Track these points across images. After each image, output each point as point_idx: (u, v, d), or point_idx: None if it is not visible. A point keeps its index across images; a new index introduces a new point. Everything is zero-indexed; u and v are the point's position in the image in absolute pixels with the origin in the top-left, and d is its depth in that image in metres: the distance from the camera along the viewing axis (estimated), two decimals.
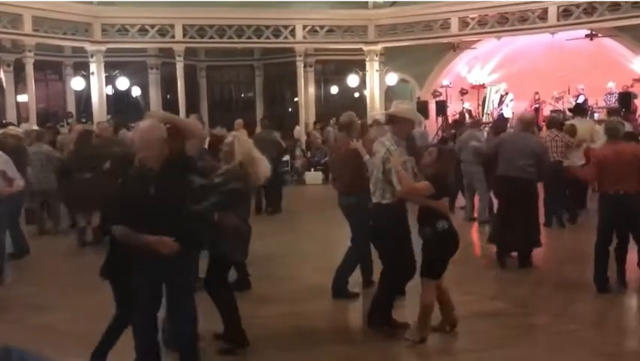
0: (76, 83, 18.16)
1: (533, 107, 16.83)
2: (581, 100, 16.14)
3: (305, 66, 18.57)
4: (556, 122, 9.63)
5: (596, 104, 16.34)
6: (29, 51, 15.05)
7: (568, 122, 10.25)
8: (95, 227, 8.09)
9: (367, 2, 18.18)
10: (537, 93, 17.11)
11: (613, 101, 15.72)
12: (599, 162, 5.83)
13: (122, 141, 9.56)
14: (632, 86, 15.68)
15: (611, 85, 16.02)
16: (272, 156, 9.18)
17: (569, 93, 16.62)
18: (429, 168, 4.75)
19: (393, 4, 18.06)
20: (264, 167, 4.66)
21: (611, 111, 11.55)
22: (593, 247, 5.95)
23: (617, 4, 14.54)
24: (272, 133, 11.65)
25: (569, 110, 13.28)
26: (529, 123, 7.35)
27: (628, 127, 8.28)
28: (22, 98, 16.73)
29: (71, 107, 18.68)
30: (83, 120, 16.48)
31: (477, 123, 11.05)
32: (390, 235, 4.88)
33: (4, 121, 15.71)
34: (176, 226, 3.65)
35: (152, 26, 16.91)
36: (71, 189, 8.21)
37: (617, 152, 5.76)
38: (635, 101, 14.95)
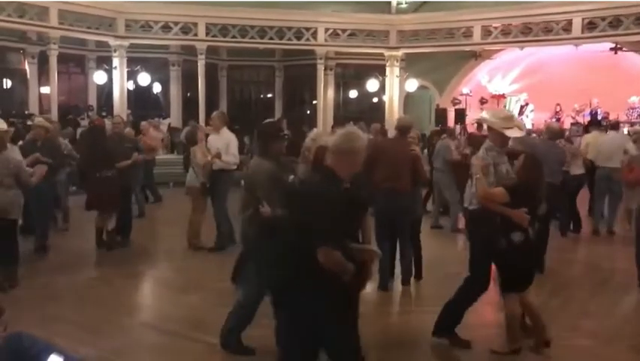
0: (99, 77, 18.35)
1: (554, 119, 16.69)
2: (599, 114, 15.96)
3: (325, 69, 18.57)
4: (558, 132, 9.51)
5: (617, 118, 16.14)
6: (54, 44, 15.24)
7: (588, 135, 10.22)
8: (112, 230, 7.98)
9: (390, 7, 18.17)
10: (558, 105, 16.97)
11: (635, 116, 15.55)
12: None
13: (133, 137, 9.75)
14: None
15: (633, 99, 15.83)
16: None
17: (590, 106, 16.46)
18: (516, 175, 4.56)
19: (416, 10, 18.02)
20: None
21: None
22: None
23: None
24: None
25: (586, 124, 13.13)
26: (556, 133, 7.57)
27: None
28: (45, 90, 16.96)
29: (92, 100, 18.87)
30: (104, 114, 16.65)
31: (452, 133, 11.10)
32: (471, 240, 4.84)
33: (26, 112, 15.99)
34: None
35: (176, 23, 17.03)
36: (91, 189, 7.95)
37: None
38: None
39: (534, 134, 11.70)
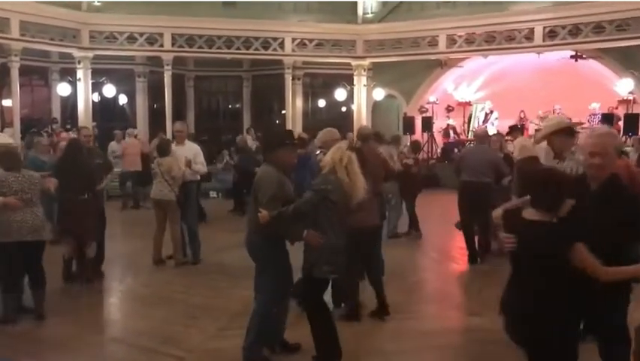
0: (62, 89, 18.03)
1: (518, 125, 16.99)
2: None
3: (293, 79, 18.61)
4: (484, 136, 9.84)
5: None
6: (15, 55, 14.94)
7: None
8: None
9: (356, 17, 18.34)
10: (522, 111, 17.30)
11: (596, 122, 15.93)
12: None
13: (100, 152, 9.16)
14: (616, 107, 15.91)
15: (594, 106, 16.24)
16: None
17: (553, 113, 16.81)
18: None
19: (382, 19, 18.22)
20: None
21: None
22: None
23: (602, 26, 14.80)
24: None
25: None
26: (482, 137, 8.60)
27: None
28: (7, 102, 16.59)
29: (56, 113, 18.54)
30: (68, 127, 16.36)
31: (397, 140, 11.26)
32: None
33: None
34: None
35: (141, 34, 16.87)
36: (67, 215, 6.69)
37: None
38: (619, 122, 15.15)
39: None
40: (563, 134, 4.88)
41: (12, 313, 5.53)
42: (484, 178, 7.74)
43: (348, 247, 4.57)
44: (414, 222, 9.84)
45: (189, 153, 7.92)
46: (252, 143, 15.29)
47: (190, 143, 8.31)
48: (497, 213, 3.39)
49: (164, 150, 7.77)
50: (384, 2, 18.33)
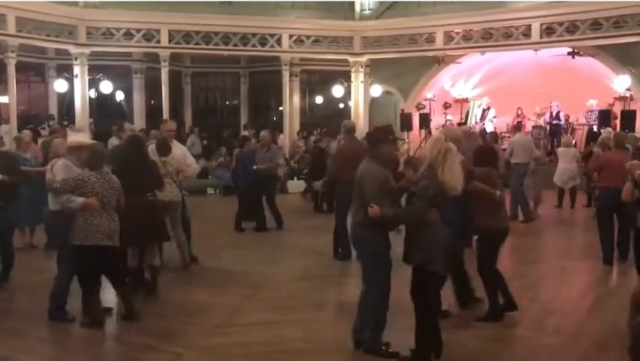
0: (59, 86, 17.99)
1: (515, 122, 17.02)
2: (560, 117, 16.38)
3: (290, 75, 18.61)
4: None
5: (577, 120, 16.57)
6: (12, 52, 14.88)
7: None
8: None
9: (354, 14, 18.32)
10: (520, 109, 17.30)
11: (593, 119, 15.97)
12: None
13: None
14: (613, 104, 15.93)
15: (591, 102, 16.26)
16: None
17: (550, 110, 16.84)
18: None
19: (379, 16, 18.21)
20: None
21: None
22: None
23: (598, 23, 14.82)
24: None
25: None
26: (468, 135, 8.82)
27: None
28: (3, 99, 16.53)
29: (53, 109, 18.50)
30: (65, 123, 16.31)
31: (335, 136, 11.65)
32: None
33: None
34: None
35: (138, 30, 16.82)
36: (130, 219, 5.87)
37: None
38: (616, 120, 15.17)
39: None
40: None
41: (100, 315, 5.42)
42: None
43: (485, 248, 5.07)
44: None
45: (179, 152, 7.45)
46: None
47: (177, 143, 7.67)
48: None
49: (166, 148, 7.08)
50: None
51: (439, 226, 4.40)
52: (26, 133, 9.19)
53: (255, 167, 9.99)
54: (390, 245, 4.71)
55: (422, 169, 4.53)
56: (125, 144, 6.82)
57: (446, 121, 18.72)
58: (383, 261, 4.63)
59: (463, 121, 17.79)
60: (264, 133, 10.62)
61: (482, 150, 5.83)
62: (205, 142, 18.23)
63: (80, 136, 6.02)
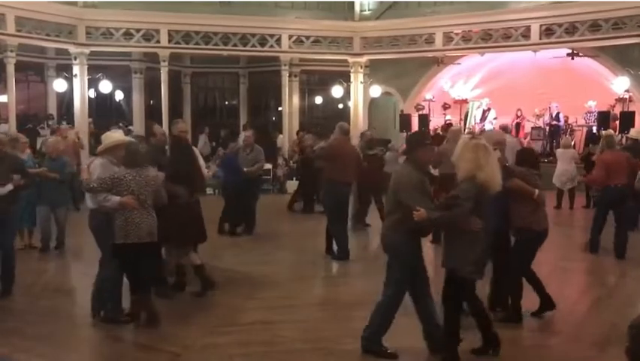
0: (59, 85, 17.97)
1: (515, 123, 17.05)
2: (561, 118, 16.41)
3: (290, 76, 18.61)
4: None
5: (576, 122, 16.59)
6: (11, 51, 14.86)
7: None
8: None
9: (353, 14, 18.32)
10: (519, 110, 17.32)
11: (592, 120, 15.99)
12: None
13: None
14: (614, 106, 15.95)
15: (590, 104, 16.28)
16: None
17: (549, 111, 16.86)
18: None
19: (379, 16, 18.21)
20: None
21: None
22: None
23: (598, 24, 14.83)
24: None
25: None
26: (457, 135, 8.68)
27: None
28: (2, 98, 16.52)
29: (52, 109, 18.47)
30: (64, 123, 16.30)
31: (322, 136, 11.81)
32: None
33: None
34: None
35: (137, 30, 16.81)
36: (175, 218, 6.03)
37: None
38: (616, 121, 15.17)
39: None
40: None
41: (155, 313, 5.36)
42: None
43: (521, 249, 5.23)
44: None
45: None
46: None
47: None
48: None
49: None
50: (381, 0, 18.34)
51: (479, 233, 4.40)
52: (15, 133, 9.19)
53: (245, 169, 9.67)
54: (422, 254, 4.70)
55: (460, 174, 4.48)
56: (173, 147, 6.83)
57: (445, 122, 18.76)
58: (409, 265, 4.61)
59: (451, 122, 17.89)
60: (247, 133, 10.39)
61: (522, 151, 5.97)
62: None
63: (117, 135, 5.94)
